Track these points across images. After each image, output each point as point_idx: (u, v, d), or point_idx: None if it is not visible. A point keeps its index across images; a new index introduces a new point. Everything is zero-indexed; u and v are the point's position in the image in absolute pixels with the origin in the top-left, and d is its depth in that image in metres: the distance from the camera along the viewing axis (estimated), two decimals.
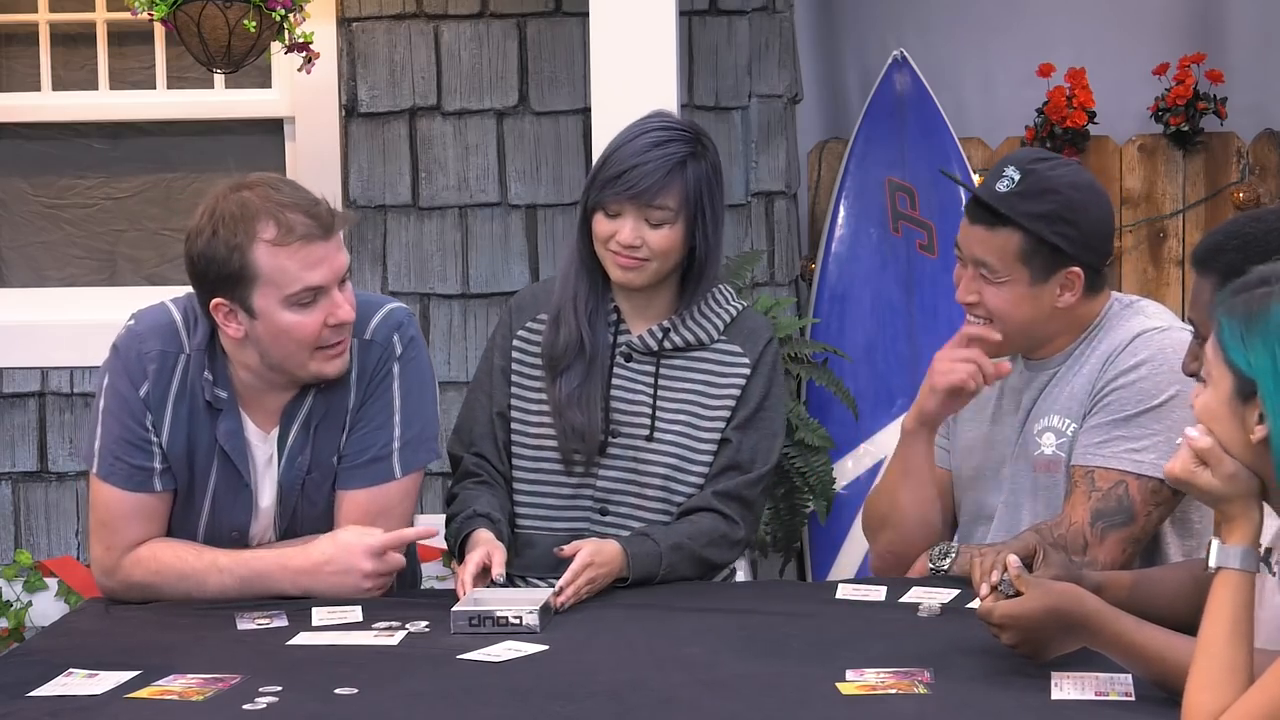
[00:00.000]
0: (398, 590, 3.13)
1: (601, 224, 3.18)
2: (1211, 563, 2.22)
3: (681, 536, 3.16)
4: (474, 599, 2.89)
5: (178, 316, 3.10)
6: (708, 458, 3.24)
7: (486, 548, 3.03)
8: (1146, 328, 3.10)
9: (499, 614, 2.80)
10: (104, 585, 3.11)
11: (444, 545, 4.69)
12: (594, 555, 3.04)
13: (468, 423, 3.31)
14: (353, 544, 3.03)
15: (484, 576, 2.99)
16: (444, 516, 3.29)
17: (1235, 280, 2.42)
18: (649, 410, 3.23)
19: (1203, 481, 2.23)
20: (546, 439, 3.25)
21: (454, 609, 2.83)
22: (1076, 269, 3.08)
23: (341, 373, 3.05)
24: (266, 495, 3.11)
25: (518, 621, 2.80)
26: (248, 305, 2.96)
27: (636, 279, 3.20)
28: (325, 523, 3.11)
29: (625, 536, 3.15)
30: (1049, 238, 3.05)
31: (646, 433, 3.23)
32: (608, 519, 3.23)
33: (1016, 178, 3.05)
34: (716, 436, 3.24)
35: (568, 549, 3.05)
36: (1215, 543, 2.23)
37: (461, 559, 3.10)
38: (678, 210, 3.16)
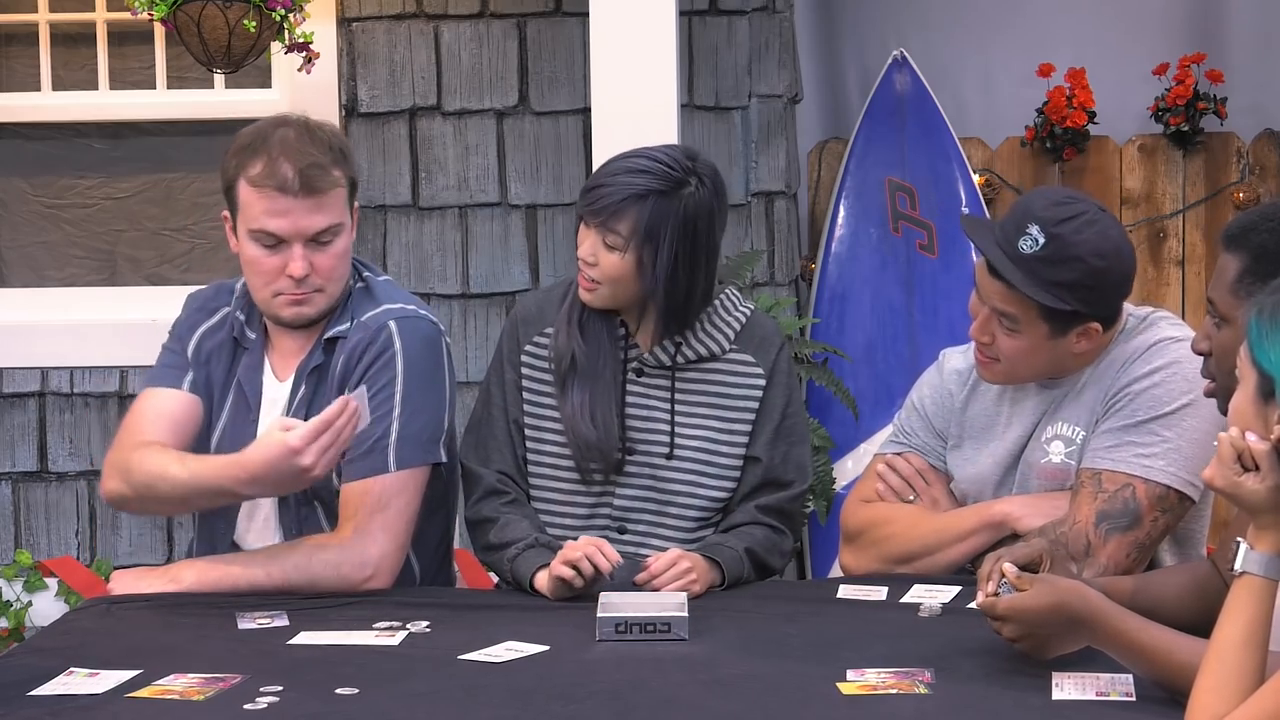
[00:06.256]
0: (402, 590, 3.14)
1: (580, 234, 3.18)
2: (1237, 566, 2.21)
3: (748, 542, 3.16)
4: (609, 605, 2.83)
5: (240, 281, 3.26)
6: (727, 472, 3.22)
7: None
8: (1163, 336, 3.07)
9: (647, 620, 2.76)
10: (108, 489, 3.16)
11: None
12: (681, 553, 3.07)
13: (484, 437, 3.27)
14: (280, 449, 2.95)
15: (567, 586, 3.00)
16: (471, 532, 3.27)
17: (1265, 264, 2.42)
18: (667, 427, 3.21)
19: (1246, 491, 2.20)
20: (563, 457, 3.23)
21: (599, 615, 2.79)
22: (1095, 324, 3.06)
23: (298, 321, 3.16)
24: None
25: (665, 628, 2.76)
26: (235, 224, 3.15)
27: (592, 300, 3.19)
28: (314, 485, 3.08)
29: (695, 548, 3.15)
30: (1070, 304, 3.00)
31: (666, 450, 3.21)
32: (626, 537, 3.21)
33: (1041, 241, 2.96)
34: (737, 451, 3.22)
35: (649, 562, 3.05)
36: (1243, 546, 2.21)
37: (515, 584, 3.11)
38: (627, 239, 3.11)
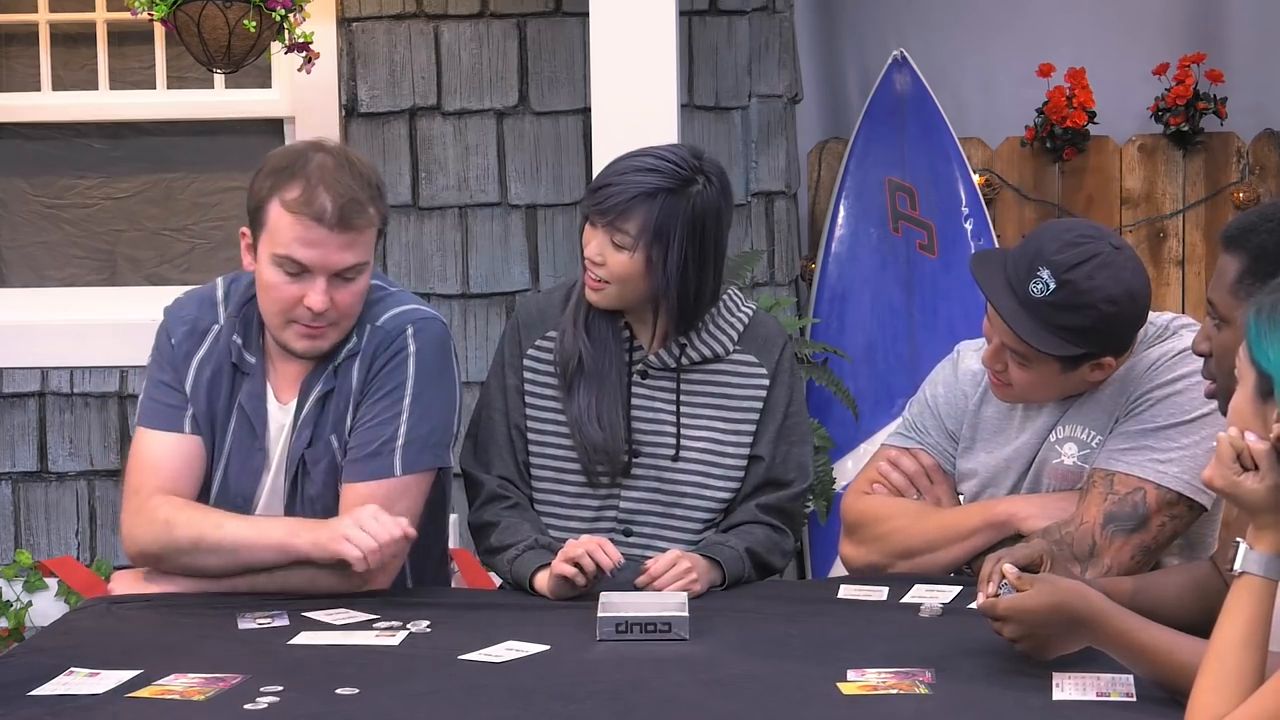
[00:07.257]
0: (403, 590, 3.14)
1: (586, 234, 3.18)
2: (1236, 566, 2.21)
3: (749, 541, 3.16)
4: (609, 604, 2.83)
5: (220, 291, 3.20)
6: (732, 473, 3.22)
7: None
8: (1187, 346, 3.02)
9: (648, 620, 2.76)
10: (130, 545, 3.10)
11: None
12: (680, 554, 3.07)
13: (484, 441, 3.27)
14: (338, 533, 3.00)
15: (568, 585, 3.00)
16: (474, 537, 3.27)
17: (1265, 265, 2.41)
18: (673, 429, 3.21)
19: (1245, 490, 2.20)
20: (568, 460, 3.23)
21: (599, 615, 2.79)
22: (1108, 358, 3.05)
23: (310, 354, 3.10)
24: (274, 462, 3.14)
25: (666, 628, 2.76)
26: (256, 243, 3.06)
27: (600, 300, 3.18)
28: (325, 503, 3.11)
29: (695, 548, 3.15)
30: (1081, 348, 2.99)
31: (672, 452, 3.21)
32: (632, 540, 3.21)
33: (1052, 286, 2.94)
34: (741, 451, 3.22)
35: (649, 564, 3.05)
36: (1243, 546, 2.21)
37: (515, 586, 3.11)
38: (636, 238, 3.11)
